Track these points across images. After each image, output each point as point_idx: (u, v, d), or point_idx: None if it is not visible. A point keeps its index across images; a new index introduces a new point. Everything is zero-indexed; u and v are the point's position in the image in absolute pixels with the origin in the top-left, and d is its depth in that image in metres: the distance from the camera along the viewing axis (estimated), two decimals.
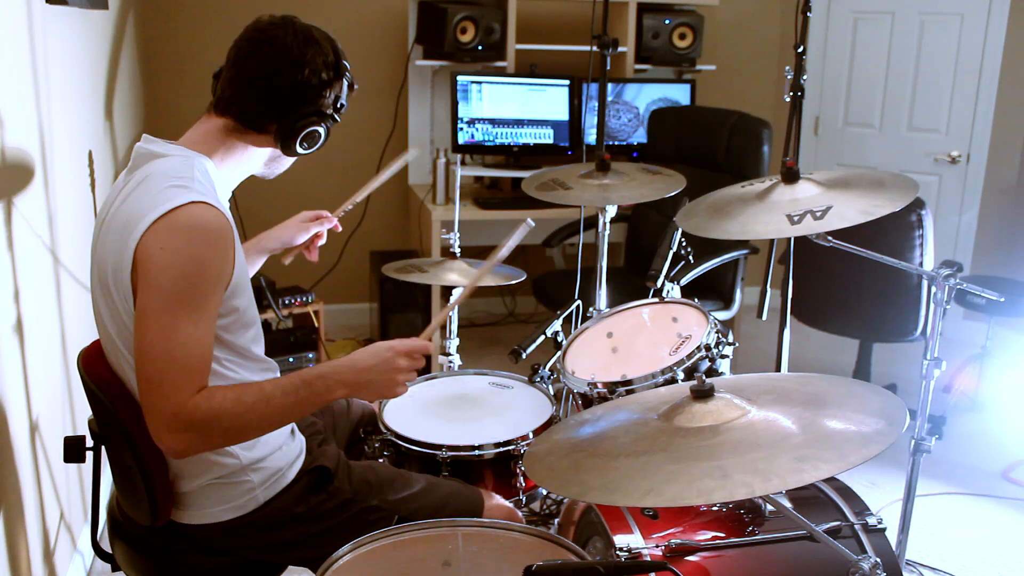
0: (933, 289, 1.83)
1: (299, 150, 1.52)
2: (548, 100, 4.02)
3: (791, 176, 1.85)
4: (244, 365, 1.49)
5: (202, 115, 1.53)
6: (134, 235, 1.33)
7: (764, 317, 2.42)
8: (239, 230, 1.50)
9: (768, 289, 2.41)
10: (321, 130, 1.51)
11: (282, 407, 1.37)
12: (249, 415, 1.34)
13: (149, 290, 1.31)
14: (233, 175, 1.54)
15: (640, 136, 4.17)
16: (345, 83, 1.53)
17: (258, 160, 1.56)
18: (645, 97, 4.15)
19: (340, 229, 2.04)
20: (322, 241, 2.00)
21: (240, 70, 1.47)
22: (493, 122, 3.97)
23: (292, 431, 1.62)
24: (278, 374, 1.62)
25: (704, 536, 1.55)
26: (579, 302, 2.45)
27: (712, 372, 2.00)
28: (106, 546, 1.66)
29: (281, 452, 1.56)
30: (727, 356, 2.03)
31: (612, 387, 1.97)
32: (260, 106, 1.47)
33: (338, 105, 1.53)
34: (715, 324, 2.04)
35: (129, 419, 1.45)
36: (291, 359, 3.58)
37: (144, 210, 1.34)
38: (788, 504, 1.40)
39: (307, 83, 1.47)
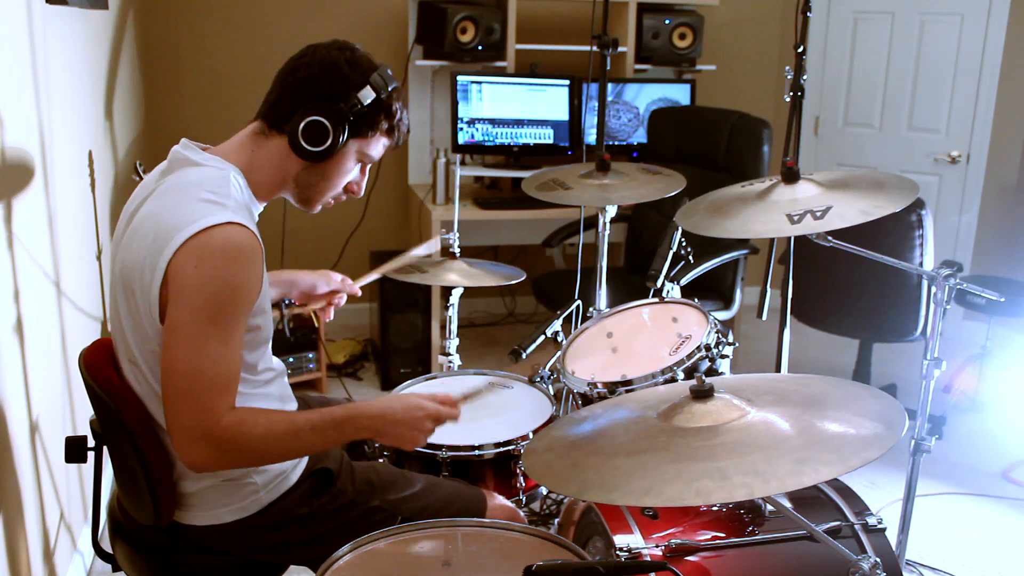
0: (933, 289, 1.83)
1: (303, 144, 1.46)
2: (548, 100, 4.02)
3: (791, 176, 1.85)
4: (249, 381, 1.49)
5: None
6: (167, 250, 1.33)
7: (764, 317, 2.42)
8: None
9: (768, 289, 2.41)
10: (325, 123, 1.45)
11: (309, 441, 1.40)
12: (276, 444, 1.38)
13: (181, 308, 1.32)
14: (263, 189, 1.52)
15: (640, 136, 4.17)
16: (371, 90, 1.47)
17: (282, 173, 1.51)
18: (645, 97, 4.15)
19: (359, 294, 2.05)
20: (340, 303, 2.01)
21: (277, 75, 1.51)
22: (493, 122, 3.97)
23: None
24: (285, 379, 1.62)
25: (704, 536, 1.55)
26: (579, 302, 2.45)
27: (712, 372, 2.00)
28: (106, 546, 1.66)
29: None
30: (727, 356, 2.03)
31: (612, 387, 1.97)
32: (282, 101, 1.47)
33: (355, 103, 1.47)
34: (715, 324, 2.04)
35: (132, 419, 1.45)
36: (291, 359, 3.58)
37: (178, 223, 1.34)
38: (788, 504, 1.40)
39: (324, 77, 1.46)
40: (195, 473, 1.47)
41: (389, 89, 1.50)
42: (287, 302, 3.43)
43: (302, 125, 1.46)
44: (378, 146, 1.55)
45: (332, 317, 2.01)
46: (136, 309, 1.39)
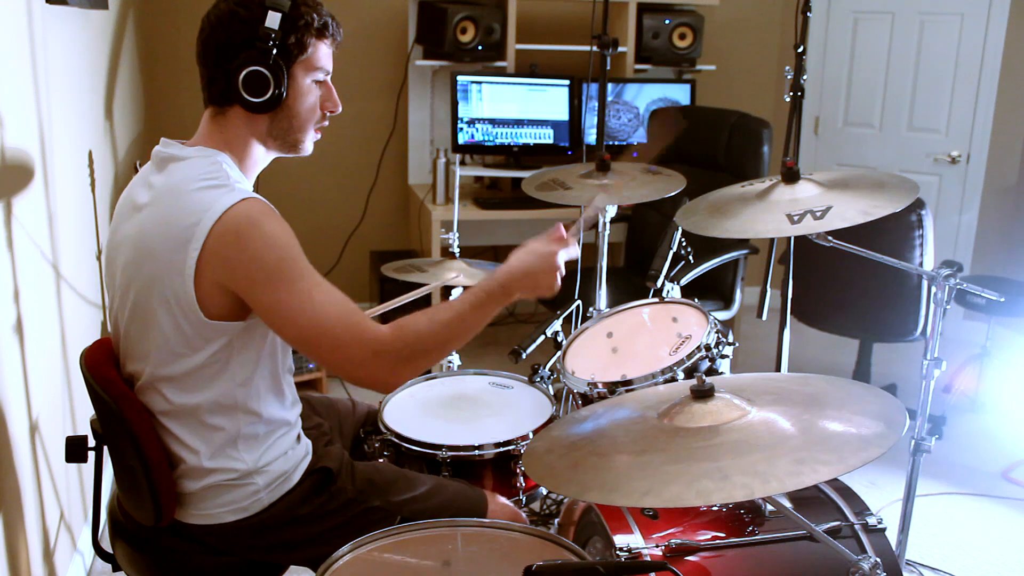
0: (933, 289, 1.83)
1: (248, 98, 1.43)
2: (548, 100, 4.02)
3: (791, 176, 1.85)
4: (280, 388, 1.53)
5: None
6: (192, 244, 1.34)
7: (764, 317, 2.42)
8: None
9: (768, 289, 2.41)
10: (261, 70, 1.42)
11: (474, 320, 1.46)
12: (446, 332, 1.44)
13: (261, 293, 1.36)
14: (245, 166, 1.52)
15: (640, 136, 4.17)
16: (274, 12, 1.42)
17: (254, 142, 1.50)
18: (645, 97, 4.15)
19: None
20: None
21: (196, 58, 1.48)
22: (493, 122, 3.97)
23: (298, 436, 1.62)
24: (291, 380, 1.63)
25: (704, 536, 1.55)
26: (579, 302, 2.45)
27: (712, 372, 2.00)
28: (106, 546, 1.66)
29: (287, 456, 1.56)
30: (727, 356, 2.03)
31: (612, 387, 1.97)
32: (211, 76, 1.46)
33: (266, 33, 1.42)
34: (715, 324, 2.04)
35: (134, 419, 1.45)
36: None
37: (192, 218, 1.34)
38: (788, 504, 1.40)
39: (229, 33, 1.43)
40: (197, 472, 1.47)
41: (289, 1, 1.45)
42: None
43: (241, 84, 1.42)
44: (320, 55, 1.50)
45: None
46: (169, 317, 1.39)
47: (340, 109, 1.56)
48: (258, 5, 1.42)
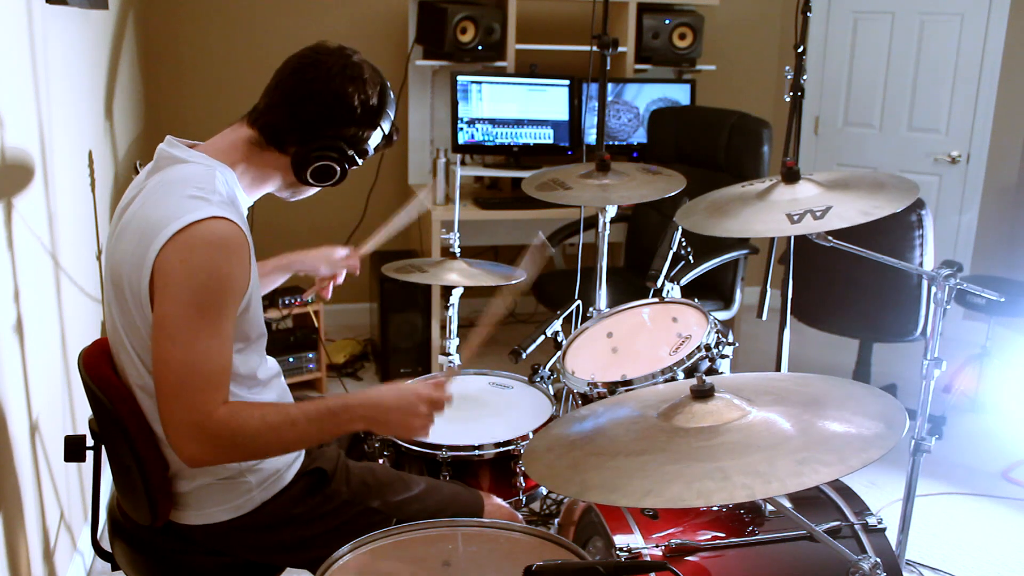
0: (933, 289, 1.83)
1: (309, 180, 1.52)
2: (548, 100, 4.02)
3: (791, 176, 1.85)
4: (254, 389, 1.51)
5: (234, 122, 1.54)
6: (153, 246, 1.33)
7: (764, 317, 2.42)
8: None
9: (768, 289, 2.41)
10: (335, 167, 1.51)
11: (304, 432, 1.40)
12: (272, 435, 1.37)
13: (169, 302, 1.32)
14: (252, 189, 1.55)
15: (640, 136, 4.17)
16: (379, 132, 1.54)
17: (274, 181, 1.56)
18: (645, 97, 4.15)
19: (357, 274, 2.08)
20: (339, 281, 2.05)
21: (279, 84, 1.50)
22: (493, 122, 3.97)
23: None
24: (282, 379, 1.62)
25: (704, 536, 1.55)
26: (579, 302, 2.45)
27: (712, 372, 2.00)
28: (106, 546, 1.66)
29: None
30: (727, 356, 2.03)
31: (612, 387, 1.97)
32: (285, 124, 1.49)
33: (364, 149, 1.53)
34: (715, 324, 2.04)
35: (129, 419, 1.45)
36: (291, 359, 3.58)
37: (164, 219, 1.34)
38: (788, 504, 1.40)
39: (336, 115, 1.48)
40: (190, 472, 1.47)
41: (391, 119, 1.55)
42: (286, 301, 3.46)
43: (313, 168, 1.50)
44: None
45: (329, 296, 2.08)
46: (126, 305, 1.39)
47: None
48: (374, 116, 1.53)
